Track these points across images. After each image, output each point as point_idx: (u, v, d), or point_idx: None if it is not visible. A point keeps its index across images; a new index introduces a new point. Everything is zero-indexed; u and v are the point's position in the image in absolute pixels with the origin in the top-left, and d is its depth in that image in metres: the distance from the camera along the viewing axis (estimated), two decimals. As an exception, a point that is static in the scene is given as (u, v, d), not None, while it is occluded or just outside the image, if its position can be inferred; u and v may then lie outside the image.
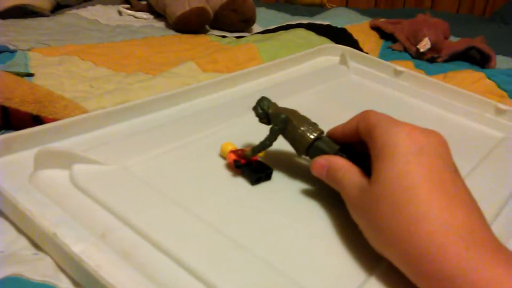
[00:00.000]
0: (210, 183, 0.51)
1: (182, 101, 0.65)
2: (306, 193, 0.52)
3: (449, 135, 0.66)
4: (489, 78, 0.99)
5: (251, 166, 0.53)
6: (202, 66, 0.83)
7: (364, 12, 1.50)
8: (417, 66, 1.07)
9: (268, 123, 0.53)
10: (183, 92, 0.65)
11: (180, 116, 0.62)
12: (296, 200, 0.50)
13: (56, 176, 0.49)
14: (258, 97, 0.74)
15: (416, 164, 0.36)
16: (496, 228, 0.38)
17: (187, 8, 1.08)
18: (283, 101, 0.61)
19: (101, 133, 0.58)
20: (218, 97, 0.69)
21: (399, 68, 0.89)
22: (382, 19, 1.33)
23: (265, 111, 0.52)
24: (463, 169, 0.58)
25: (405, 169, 0.36)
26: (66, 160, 0.49)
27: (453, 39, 1.27)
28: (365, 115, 0.45)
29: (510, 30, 1.52)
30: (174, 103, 0.64)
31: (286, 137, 0.52)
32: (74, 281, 0.40)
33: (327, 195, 0.51)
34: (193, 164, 0.54)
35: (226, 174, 0.53)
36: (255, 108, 0.53)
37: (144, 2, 1.24)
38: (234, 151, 0.54)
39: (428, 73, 1.02)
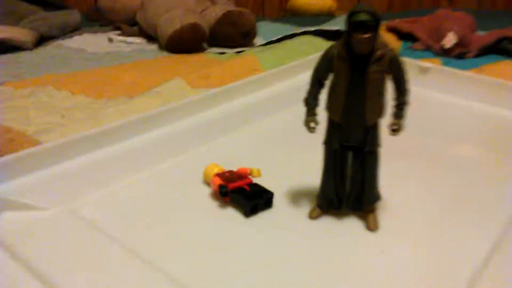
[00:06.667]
0: (188, 222, 0.38)
1: (160, 124, 0.53)
2: (320, 223, 0.38)
3: (497, 130, 0.51)
4: (531, 67, 0.84)
5: (244, 191, 0.40)
6: (191, 82, 0.72)
7: (377, 16, 1.38)
8: (445, 64, 0.94)
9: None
10: (160, 113, 0.53)
11: (155, 140, 0.49)
12: (306, 234, 0.37)
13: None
14: (253, 111, 0.61)
15: None
16: None
17: (179, 26, 0.98)
18: (290, 108, 0.48)
19: (51, 170, 0.44)
20: (205, 115, 0.57)
21: (424, 64, 0.76)
22: (398, 20, 1.20)
23: (377, 18, 0.34)
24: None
25: None
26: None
27: (480, 33, 1.13)
28: None
29: (542, 20, 1.37)
30: (149, 127, 0.52)
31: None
32: None
33: (346, 223, 0.38)
34: (167, 197, 0.41)
35: (212, 205, 0.40)
36: (360, 12, 0.34)
37: (135, 27, 1.15)
38: (220, 174, 0.41)
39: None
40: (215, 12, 1.06)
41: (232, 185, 0.40)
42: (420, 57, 0.99)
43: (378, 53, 0.35)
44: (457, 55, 1.00)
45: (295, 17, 1.45)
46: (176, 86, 0.69)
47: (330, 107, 0.37)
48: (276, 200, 0.41)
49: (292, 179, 0.44)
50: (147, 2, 1.09)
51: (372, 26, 0.33)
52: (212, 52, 1.02)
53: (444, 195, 0.44)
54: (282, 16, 1.57)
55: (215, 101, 0.59)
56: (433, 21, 1.10)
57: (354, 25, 0.33)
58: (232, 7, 1.09)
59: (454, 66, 0.92)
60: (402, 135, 0.37)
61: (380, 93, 0.36)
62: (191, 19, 0.99)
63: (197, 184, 0.43)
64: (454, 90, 0.69)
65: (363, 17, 0.33)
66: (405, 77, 0.36)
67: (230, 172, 0.42)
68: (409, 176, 0.47)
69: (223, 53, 1.02)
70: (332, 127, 0.37)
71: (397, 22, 1.17)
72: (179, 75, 0.78)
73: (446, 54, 1.01)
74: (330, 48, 0.36)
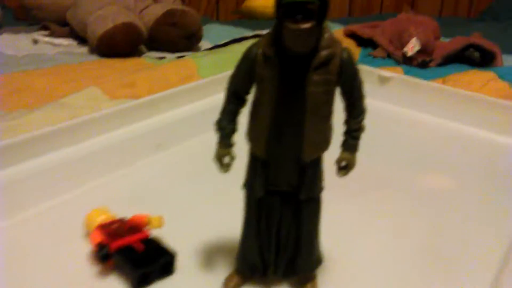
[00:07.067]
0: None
1: (47, 149, 0.40)
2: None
3: (468, 152, 0.48)
4: (501, 78, 0.76)
5: (132, 253, 0.28)
6: (110, 92, 0.59)
7: (335, 21, 1.29)
8: (407, 73, 0.85)
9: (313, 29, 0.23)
10: (49, 133, 0.40)
11: (32, 173, 0.37)
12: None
13: None
14: (176, 130, 0.48)
15: None
16: None
17: (111, 25, 0.85)
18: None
19: None
20: (110, 137, 0.44)
21: (385, 73, 0.67)
22: (357, 24, 1.11)
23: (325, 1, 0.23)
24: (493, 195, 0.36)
25: None
26: None
27: (444, 40, 1.05)
28: None
29: (505, 27, 1.31)
30: (32, 153, 0.39)
31: None
32: None
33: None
34: (25, 259, 0.29)
35: (88, 272, 0.29)
36: None
37: (66, 27, 1.01)
38: (105, 226, 0.30)
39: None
40: (155, 11, 0.94)
41: (117, 243, 0.28)
42: (381, 65, 0.90)
43: (324, 54, 0.24)
44: (420, 64, 0.91)
45: (251, 20, 1.35)
46: (87, 96, 0.57)
47: (251, 136, 0.26)
48: (180, 263, 0.29)
49: (205, 232, 0.32)
50: (78, -2, 0.97)
51: (314, 10, 0.22)
52: (150, 57, 0.90)
53: (415, 248, 0.34)
54: (238, 19, 1.46)
55: (130, 117, 0.48)
56: (395, 25, 1.01)
57: (286, 9, 0.22)
58: (175, 6, 0.97)
59: (417, 75, 0.84)
60: (357, 163, 0.27)
61: (325, 116, 0.25)
62: (125, 17, 0.87)
63: (75, 237, 0.31)
64: (418, 103, 0.60)
65: None
66: (361, 91, 0.26)
67: (120, 222, 0.30)
68: (366, 222, 0.37)
69: (163, 57, 0.90)
70: (255, 164, 0.26)
71: (356, 27, 1.08)
72: (101, 82, 0.65)
73: (408, 62, 0.93)
74: (252, 46, 0.25)
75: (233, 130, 0.27)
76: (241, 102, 0.27)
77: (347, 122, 0.26)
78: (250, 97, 0.26)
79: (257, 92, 0.25)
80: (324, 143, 0.26)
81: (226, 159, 0.27)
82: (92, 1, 0.93)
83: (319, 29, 0.23)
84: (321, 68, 0.24)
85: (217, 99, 0.59)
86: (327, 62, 0.24)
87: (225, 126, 0.27)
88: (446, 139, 0.53)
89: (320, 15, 0.22)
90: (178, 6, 0.99)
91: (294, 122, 0.25)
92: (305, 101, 0.24)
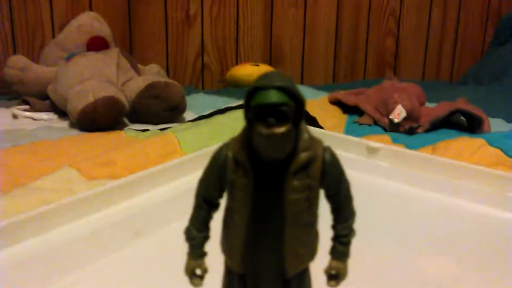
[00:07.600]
0: None
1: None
2: None
3: (461, 230, 0.45)
4: (491, 144, 0.75)
5: None
6: (87, 172, 0.56)
7: (321, 87, 1.29)
8: (395, 140, 0.84)
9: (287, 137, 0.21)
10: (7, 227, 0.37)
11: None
12: None
13: None
14: (156, 215, 0.45)
15: None
16: None
17: (91, 100, 0.84)
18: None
19: None
20: (75, 227, 0.41)
21: (373, 144, 0.65)
22: (342, 91, 1.11)
23: (297, 98, 0.21)
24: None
25: None
26: None
27: (429, 105, 1.05)
28: None
29: (489, 90, 1.32)
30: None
31: None
32: None
33: None
34: None
35: None
36: (268, 89, 0.20)
37: (47, 101, 1.00)
38: None
39: (411, 147, 0.78)
40: (138, 84, 0.93)
41: None
42: (367, 133, 0.88)
43: (303, 156, 0.21)
44: (407, 130, 0.90)
45: (234, 89, 1.35)
46: (64, 178, 0.53)
47: (224, 247, 0.23)
48: None
49: None
50: (59, 72, 0.96)
51: (289, 112, 0.20)
52: (133, 130, 0.88)
53: None
54: (223, 87, 1.46)
55: (102, 202, 0.44)
56: (380, 92, 1.01)
57: (257, 111, 0.20)
58: (157, 78, 0.96)
59: (405, 143, 0.82)
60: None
61: (307, 223, 0.22)
62: (106, 91, 0.85)
63: None
64: (409, 176, 0.58)
65: (272, 97, 0.20)
66: (348, 194, 0.23)
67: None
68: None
69: (145, 130, 0.88)
70: (231, 278, 0.23)
71: (341, 95, 1.08)
72: (77, 162, 0.62)
73: (395, 129, 0.92)
74: (222, 148, 0.23)
75: (204, 239, 0.24)
76: (213, 208, 0.24)
77: (335, 227, 0.24)
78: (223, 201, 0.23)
79: (229, 199, 0.23)
80: (309, 253, 0.23)
81: (198, 272, 0.24)
82: (72, 76, 0.92)
83: (295, 132, 0.21)
84: (300, 173, 0.21)
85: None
86: (307, 165, 0.21)
87: (195, 235, 0.24)
88: (441, 216, 0.50)
89: (297, 116, 0.20)
90: (161, 78, 0.98)
91: (273, 232, 0.22)
92: (284, 209, 0.21)
